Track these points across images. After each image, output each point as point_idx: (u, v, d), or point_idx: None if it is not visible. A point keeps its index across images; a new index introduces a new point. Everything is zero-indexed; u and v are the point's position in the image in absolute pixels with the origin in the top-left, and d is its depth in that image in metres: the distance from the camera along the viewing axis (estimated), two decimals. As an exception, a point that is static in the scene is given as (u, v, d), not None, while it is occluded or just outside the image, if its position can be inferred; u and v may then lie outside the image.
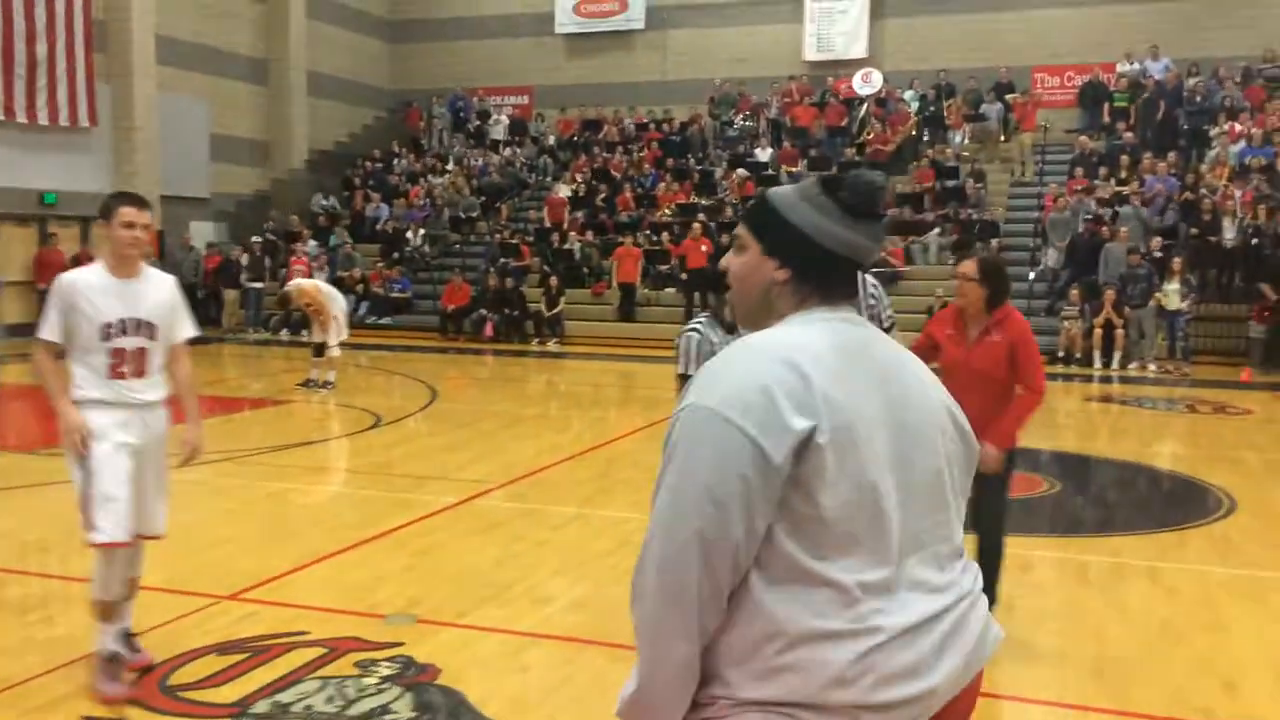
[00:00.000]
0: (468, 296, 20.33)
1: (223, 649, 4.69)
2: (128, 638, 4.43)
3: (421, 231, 23.13)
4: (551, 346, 19.31)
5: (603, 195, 23.32)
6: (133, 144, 21.56)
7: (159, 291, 4.44)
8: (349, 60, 28.56)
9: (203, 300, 21.93)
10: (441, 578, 5.88)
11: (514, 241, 22.05)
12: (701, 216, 20.98)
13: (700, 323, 4.54)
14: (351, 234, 23.38)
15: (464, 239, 23.31)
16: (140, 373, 4.34)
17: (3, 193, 19.14)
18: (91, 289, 4.27)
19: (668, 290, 20.47)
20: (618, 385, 15.70)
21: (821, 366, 1.73)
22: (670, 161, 24.22)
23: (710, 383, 1.75)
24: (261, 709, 4.10)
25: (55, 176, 20.14)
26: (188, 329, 4.59)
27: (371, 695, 4.26)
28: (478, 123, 27.75)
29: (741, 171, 22.84)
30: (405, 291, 21.59)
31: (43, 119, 19.74)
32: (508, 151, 26.35)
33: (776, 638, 1.69)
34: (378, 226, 23.82)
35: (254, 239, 22.55)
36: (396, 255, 22.68)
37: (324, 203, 24.74)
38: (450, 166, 25.87)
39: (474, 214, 23.74)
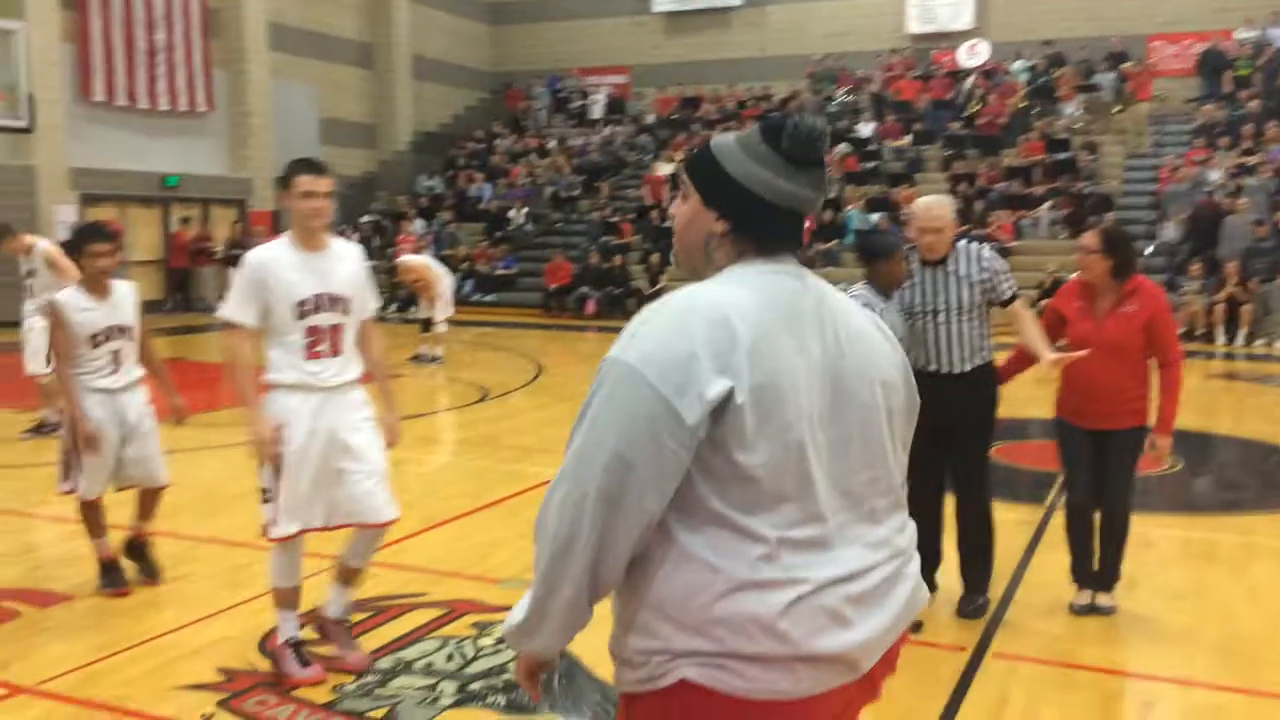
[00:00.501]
0: (569, 274, 20.50)
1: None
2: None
3: (524, 210, 23.39)
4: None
5: (703, 173, 23.21)
6: (248, 128, 22.24)
7: (348, 263, 4.14)
8: (451, 43, 28.96)
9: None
10: (553, 545, 5.96)
11: (615, 219, 22.15)
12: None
13: (860, 292, 4.50)
14: (455, 214, 23.76)
15: (565, 217, 23.49)
16: (336, 350, 4.07)
17: (128, 176, 19.92)
18: (281, 265, 3.99)
19: (769, 267, 20.31)
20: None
21: (751, 323, 1.71)
22: (771, 138, 23.98)
23: (634, 337, 1.73)
24: (385, 664, 4.22)
25: (176, 160, 20.89)
26: (375, 302, 4.31)
27: (488, 655, 4.35)
28: (579, 102, 27.88)
29: (842, 147, 22.53)
30: (509, 269, 21.86)
31: (163, 104, 20.48)
32: (607, 130, 26.43)
33: (706, 590, 1.69)
34: (480, 206, 24.15)
35: (362, 219, 23.07)
36: (499, 234, 22.98)
37: (428, 183, 25.19)
38: (551, 146, 26.07)
39: (575, 193, 23.90)
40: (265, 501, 4.01)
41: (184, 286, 20.54)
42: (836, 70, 25.60)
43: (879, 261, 4.55)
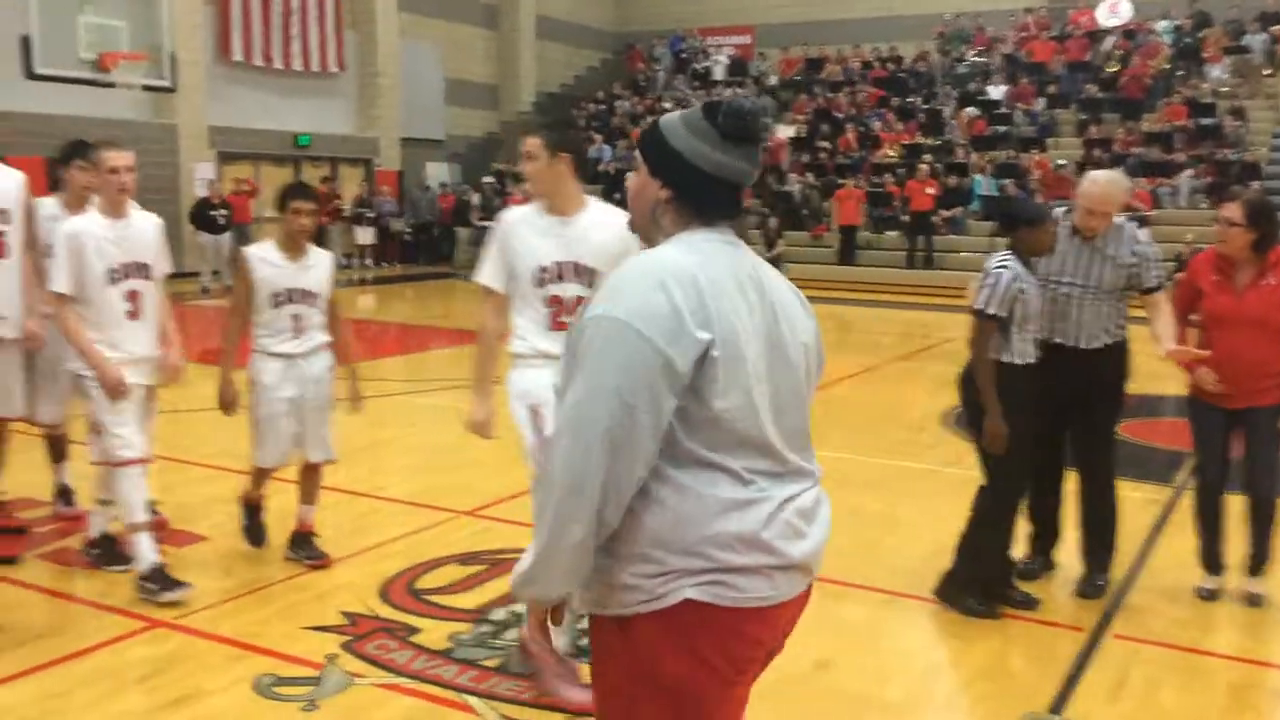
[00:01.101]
0: (686, 237, 20.45)
1: (464, 560, 4.98)
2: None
3: (642, 172, 23.36)
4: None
5: (824, 136, 22.88)
6: (376, 88, 22.73)
7: (603, 232, 3.71)
8: (575, 3, 29.02)
9: (438, 238, 23.03)
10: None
11: (733, 183, 21.98)
12: (928, 157, 20.28)
13: (1009, 260, 4.36)
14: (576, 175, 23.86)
15: (684, 180, 23.38)
16: None
17: (262, 135, 20.58)
18: (526, 226, 3.77)
19: (890, 233, 19.96)
20: (835, 329, 15.48)
21: (712, 285, 1.89)
22: (895, 100, 23.46)
23: (616, 294, 1.89)
24: (499, 616, 4.33)
25: (307, 119, 21.49)
26: None
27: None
28: (701, 63, 27.67)
29: (971, 110, 21.89)
30: (625, 232, 21.93)
31: (296, 65, 21.06)
32: (728, 92, 26.16)
33: (693, 515, 1.89)
34: (600, 167, 24.24)
35: (484, 179, 23.41)
36: (619, 196, 23.04)
37: (549, 144, 25.34)
38: (669, 106, 25.95)
39: (694, 155, 23.76)
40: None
41: (316, 243, 21.20)
42: (968, 30, 24.81)
43: (1025, 229, 4.38)
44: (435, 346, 11.95)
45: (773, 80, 26.30)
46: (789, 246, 19.83)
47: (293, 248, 4.79)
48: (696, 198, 2.01)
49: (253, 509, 5.10)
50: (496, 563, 4.91)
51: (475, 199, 22.85)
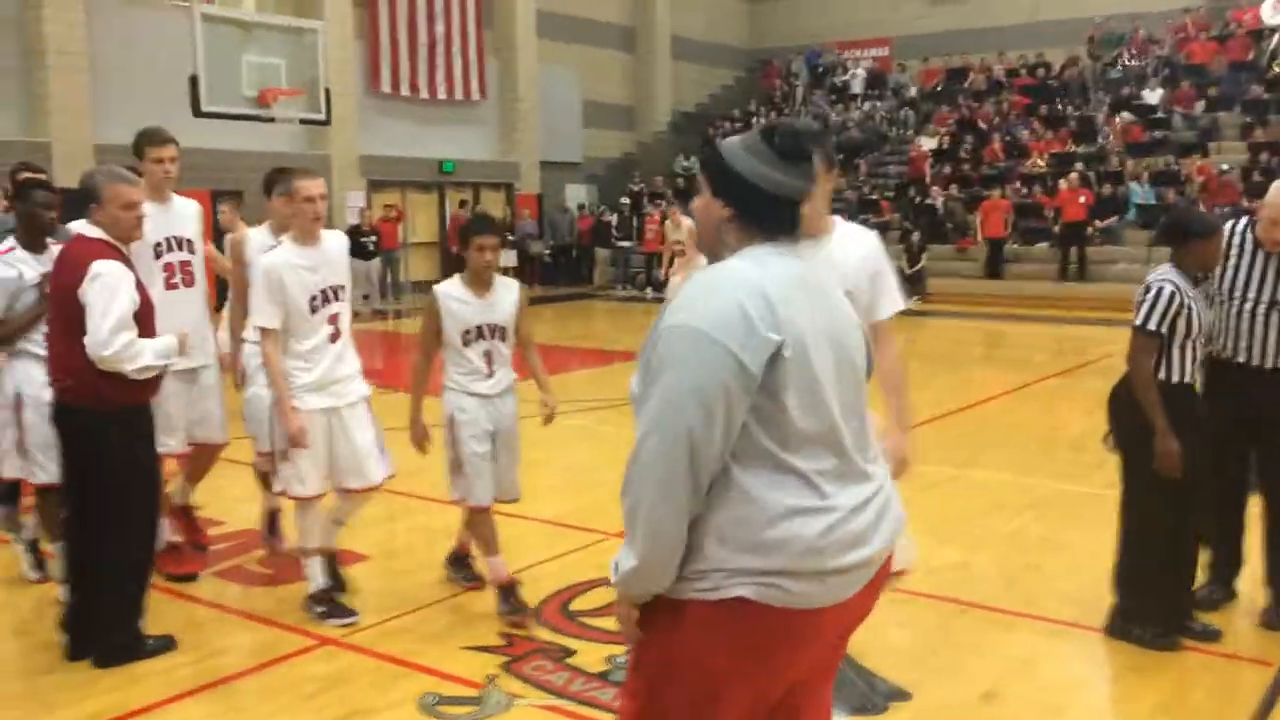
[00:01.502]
0: (826, 253, 20.20)
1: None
2: None
3: (780, 189, 23.23)
4: (912, 304, 18.81)
5: (968, 146, 22.33)
6: (517, 114, 23.25)
7: (855, 248, 3.50)
8: (710, 22, 29.11)
9: (577, 259, 23.36)
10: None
11: (874, 197, 21.65)
12: (1079, 165, 19.56)
13: (1170, 274, 4.16)
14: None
15: (822, 196, 23.15)
16: None
17: (409, 162, 21.26)
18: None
19: (1039, 245, 19.31)
20: (984, 345, 15.06)
21: (780, 294, 2.04)
22: (1043, 109, 22.73)
23: (689, 305, 2.05)
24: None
25: (451, 146, 22.11)
26: (891, 302, 3.57)
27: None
28: (838, 77, 27.39)
29: (1126, 115, 21.03)
30: (763, 249, 21.81)
31: (441, 93, 21.71)
32: (867, 105, 25.85)
33: (757, 517, 2.01)
34: (737, 185, 24.19)
35: (621, 200, 23.64)
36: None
37: (684, 164, 25.48)
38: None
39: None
40: None
41: (461, 266, 21.72)
42: (1122, 34, 23.88)
43: (1196, 241, 4.16)
44: (576, 367, 12.10)
45: (912, 92, 25.83)
46: (933, 260, 19.41)
47: (479, 284, 4.66)
48: (758, 215, 2.15)
49: (462, 559, 5.03)
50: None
51: (613, 220, 23.10)
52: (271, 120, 13.24)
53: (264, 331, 4.49)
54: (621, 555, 2.07)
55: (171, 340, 4.21)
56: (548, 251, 23.42)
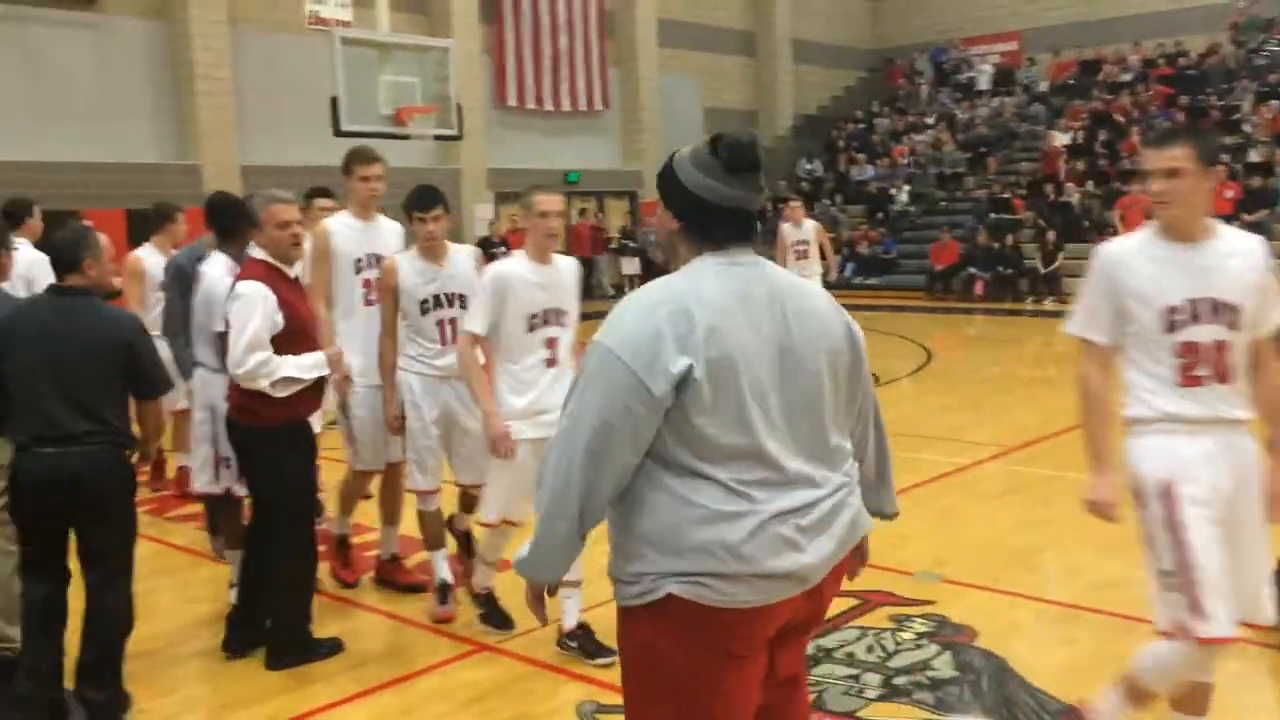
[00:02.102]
0: (956, 254, 19.80)
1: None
2: None
3: (906, 190, 22.87)
4: (1048, 305, 18.27)
5: (1104, 140, 21.58)
6: (639, 123, 23.43)
7: (1241, 260, 3.07)
8: (831, 23, 28.82)
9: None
10: (964, 540, 5.81)
11: (1005, 195, 21.11)
12: (1225, 157, 18.71)
13: None
14: (837, 196, 23.67)
15: (950, 196, 22.71)
16: (1222, 376, 3.04)
17: (535, 174, 21.59)
18: (1142, 256, 3.13)
19: (1182, 242, 18.52)
20: (1126, 346, 14.55)
21: (708, 309, 2.11)
22: (1184, 99, 21.82)
23: (614, 324, 2.16)
24: (806, 650, 4.29)
25: (575, 157, 22.41)
26: (1274, 318, 3.15)
27: (910, 650, 4.31)
28: (965, 74, 26.81)
29: (1275, 103, 20.03)
30: (890, 252, 21.48)
31: (565, 105, 22.03)
32: (995, 102, 25.22)
33: (682, 523, 2.12)
34: (862, 187, 23.91)
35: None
36: (881, 215, 22.63)
37: (807, 167, 25.28)
38: (930, 121, 25.27)
39: (960, 169, 23.03)
40: (1168, 590, 3.01)
41: (586, 274, 22.06)
42: (1270, 17, 22.75)
43: None
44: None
45: (1043, 86, 25.10)
46: (1069, 259, 18.79)
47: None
48: (703, 225, 2.24)
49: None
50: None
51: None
52: (407, 137, 13.59)
53: (472, 338, 4.30)
54: (523, 544, 2.29)
55: (319, 357, 4.32)
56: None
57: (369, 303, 5.05)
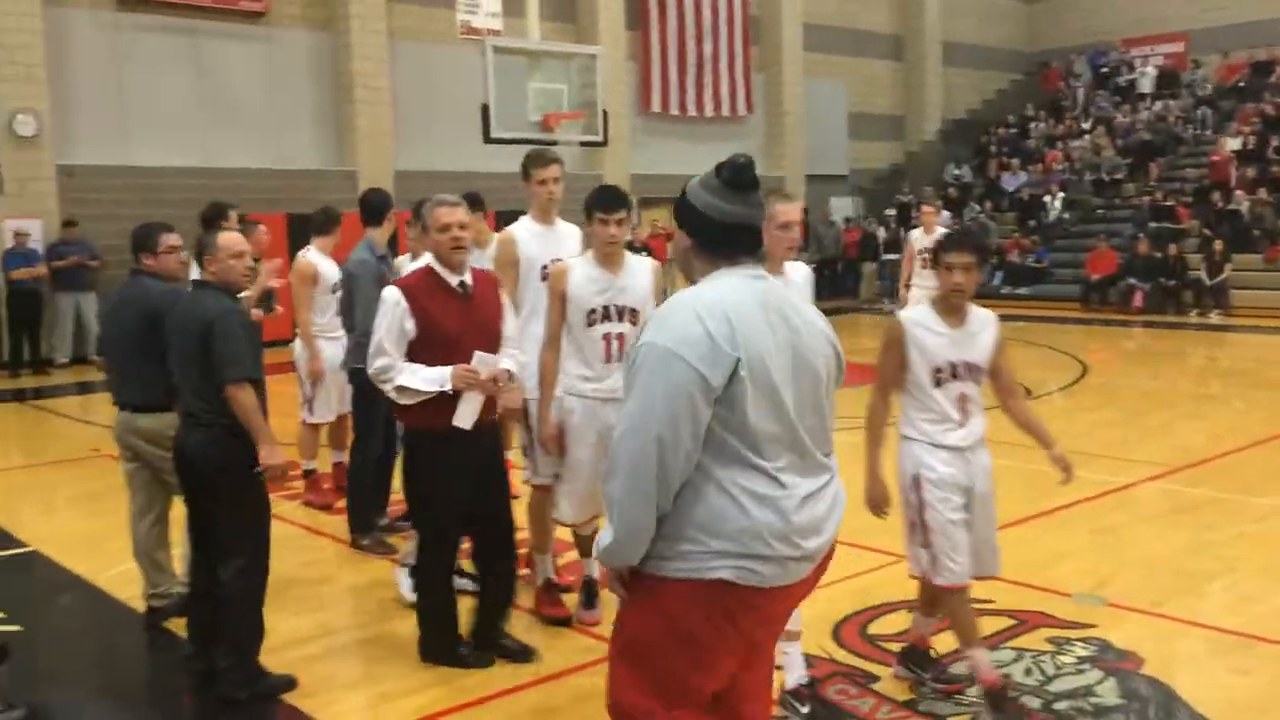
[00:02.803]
0: (1114, 264, 18.99)
1: (914, 606, 4.85)
2: None
3: (1060, 196, 22.07)
4: (1213, 318, 17.38)
5: (1276, 146, 20.39)
6: (782, 128, 23.29)
7: None
8: (983, 25, 28.09)
9: (843, 273, 23.07)
10: (1127, 561, 5.56)
11: (1168, 203, 20.15)
12: None
13: None
14: (986, 202, 23.02)
15: (1108, 203, 21.81)
16: None
17: (678, 180, 21.35)
18: None
19: (1365, 253, 17.38)
20: (1301, 363, 13.70)
21: (739, 314, 2.38)
22: (1367, 101, 20.46)
23: (661, 328, 2.40)
24: (962, 670, 4.17)
25: (717, 162, 22.34)
26: None
27: (1070, 674, 4.14)
28: (1125, 77, 25.74)
29: None
30: (1042, 261, 20.76)
31: (709, 111, 22.05)
32: (1158, 105, 24.12)
33: (731, 509, 2.37)
34: (1013, 194, 23.19)
35: (886, 212, 23.15)
36: (1033, 223, 21.90)
37: (955, 172, 24.66)
38: (1087, 126, 24.33)
39: (1119, 175, 22.11)
40: None
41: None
42: None
43: None
44: (845, 383, 11.92)
45: (1208, 89, 23.90)
46: (1237, 271, 17.84)
47: (951, 311, 3.93)
48: (714, 242, 2.51)
49: (921, 653, 4.19)
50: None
51: (880, 232, 22.65)
52: (554, 143, 13.80)
53: None
54: (604, 533, 2.47)
55: (443, 373, 4.09)
56: (813, 265, 23.24)
57: None
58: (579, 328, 4.44)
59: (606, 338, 4.43)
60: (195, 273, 4.47)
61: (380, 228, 6.17)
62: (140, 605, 5.04)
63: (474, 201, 6.03)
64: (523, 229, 4.96)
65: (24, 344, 14.25)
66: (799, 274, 4.25)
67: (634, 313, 4.45)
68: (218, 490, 4.09)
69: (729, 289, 2.44)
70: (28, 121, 14.31)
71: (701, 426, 2.34)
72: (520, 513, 4.89)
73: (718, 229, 2.49)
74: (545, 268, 4.82)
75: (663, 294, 4.13)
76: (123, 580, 5.61)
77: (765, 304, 2.45)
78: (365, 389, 5.20)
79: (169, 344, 4.22)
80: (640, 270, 4.54)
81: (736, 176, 2.50)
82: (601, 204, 4.36)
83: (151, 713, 4.35)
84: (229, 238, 4.22)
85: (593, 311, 4.40)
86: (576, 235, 5.05)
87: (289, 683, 4.18)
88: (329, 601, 5.32)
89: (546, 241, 4.93)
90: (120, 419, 4.77)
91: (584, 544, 4.83)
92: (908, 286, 11.31)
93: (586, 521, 4.70)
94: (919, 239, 11.12)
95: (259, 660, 4.21)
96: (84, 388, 13.41)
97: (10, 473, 8.96)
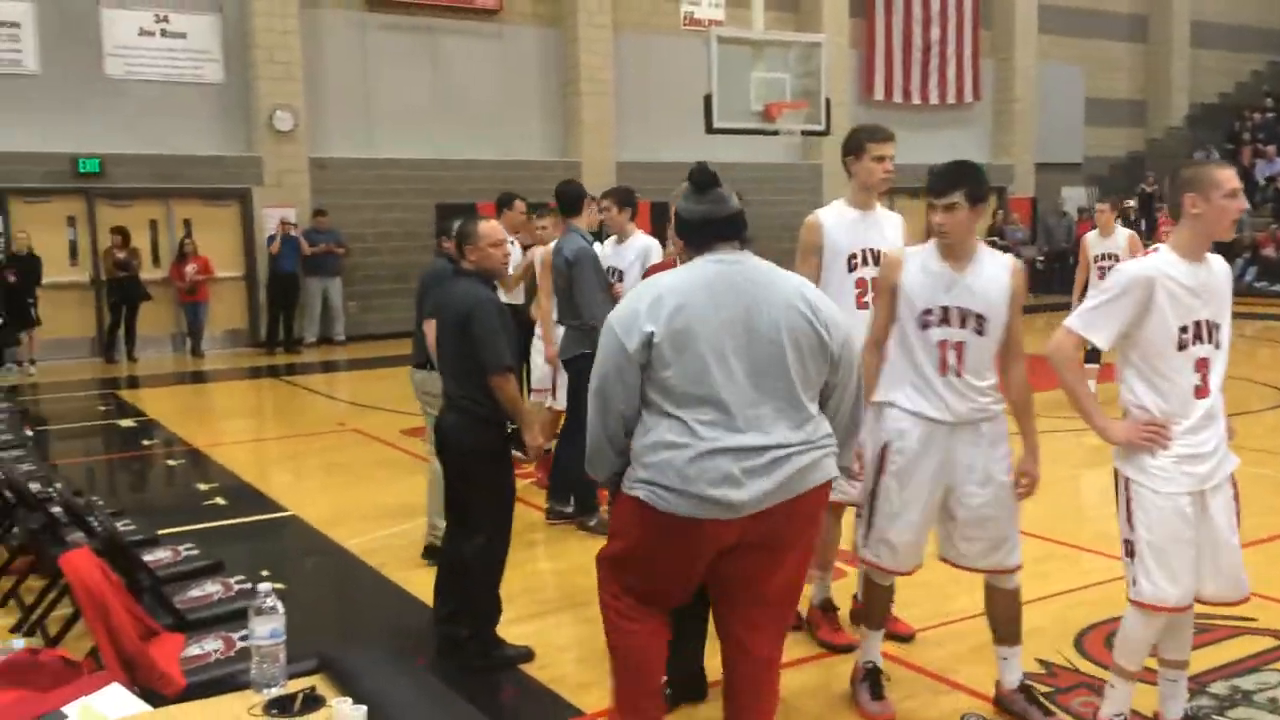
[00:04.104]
0: (1387, 260, 17.28)
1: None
2: None
3: (1325, 186, 20.25)
4: None
5: None
6: (1011, 114, 22.35)
7: None
8: (1237, 3, 26.01)
9: (1073, 265, 21.93)
10: None
11: None
12: None
13: None
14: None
15: (1381, 193, 19.85)
16: None
17: (900, 168, 21.10)
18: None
19: None
20: None
21: (677, 294, 2.94)
22: None
23: (617, 309, 3.06)
24: (1220, 690, 3.91)
25: (939, 150, 21.55)
26: None
27: (1347, 703, 3.79)
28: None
29: None
30: (1302, 255, 19.12)
31: (934, 98, 21.42)
32: None
33: (652, 445, 2.95)
34: (1267, 184, 21.43)
35: (1127, 203, 21.82)
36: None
37: (1204, 158, 22.99)
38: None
39: (1396, 163, 20.06)
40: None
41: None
42: None
43: None
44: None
45: None
46: None
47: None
48: (688, 236, 3.12)
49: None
50: (1203, 628, 4.38)
51: (1118, 223, 21.37)
52: (775, 133, 13.74)
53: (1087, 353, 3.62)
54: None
55: None
56: (1040, 258, 22.22)
57: (862, 305, 4.29)
58: (911, 333, 3.70)
59: (943, 346, 3.66)
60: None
61: (581, 216, 6.30)
62: (388, 572, 5.35)
63: (574, 198, 6.20)
64: (832, 213, 4.41)
65: (279, 324, 15.41)
66: (1222, 267, 3.46)
67: (981, 319, 3.61)
68: (466, 470, 4.29)
69: (684, 272, 3.03)
70: (285, 117, 15.41)
71: (630, 379, 2.95)
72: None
73: (687, 225, 3.08)
74: (853, 258, 4.33)
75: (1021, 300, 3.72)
76: (369, 547, 5.99)
77: (714, 284, 2.94)
78: (585, 378, 5.17)
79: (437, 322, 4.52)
80: (994, 269, 3.67)
81: (696, 178, 3.10)
82: (929, 188, 3.66)
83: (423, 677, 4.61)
84: (489, 226, 4.40)
85: (928, 313, 3.66)
86: (898, 223, 4.46)
87: (526, 654, 4.34)
88: (559, 579, 5.48)
89: (858, 228, 4.36)
90: (411, 375, 5.72)
91: (877, 604, 4.03)
92: (1081, 297, 9.42)
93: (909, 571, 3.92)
94: (1095, 243, 9.88)
95: (497, 632, 4.39)
96: (328, 366, 14.37)
97: (265, 443, 9.70)
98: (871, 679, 3.91)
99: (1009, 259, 3.79)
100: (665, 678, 3.37)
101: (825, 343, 2.95)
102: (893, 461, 3.72)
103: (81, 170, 14.46)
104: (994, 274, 3.67)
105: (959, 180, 3.59)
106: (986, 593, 3.88)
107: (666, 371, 2.88)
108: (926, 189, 3.67)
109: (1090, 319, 3.37)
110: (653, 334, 2.87)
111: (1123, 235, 9.95)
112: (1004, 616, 3.85)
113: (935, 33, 21.18)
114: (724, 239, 3.03)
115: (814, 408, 3.00)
